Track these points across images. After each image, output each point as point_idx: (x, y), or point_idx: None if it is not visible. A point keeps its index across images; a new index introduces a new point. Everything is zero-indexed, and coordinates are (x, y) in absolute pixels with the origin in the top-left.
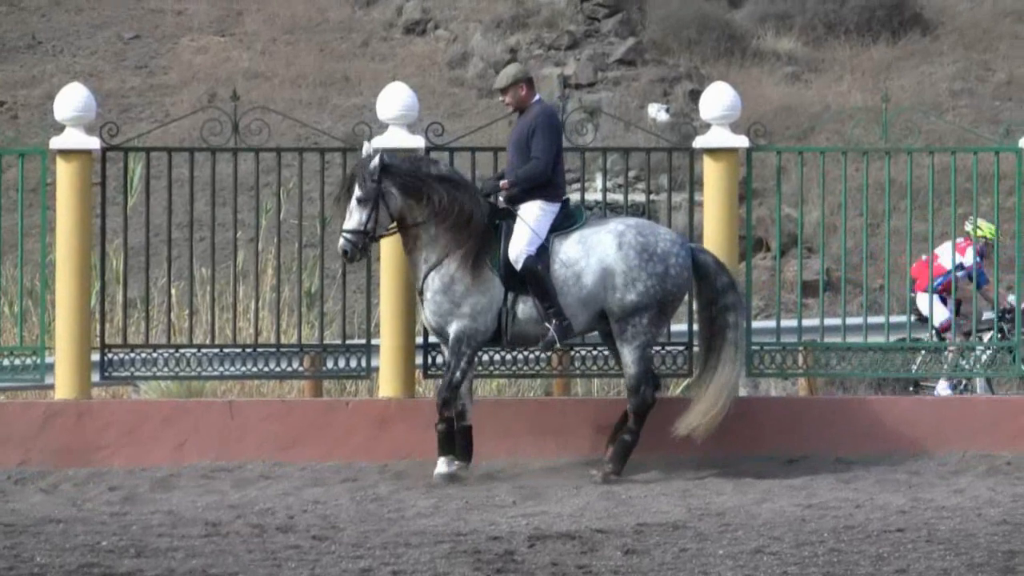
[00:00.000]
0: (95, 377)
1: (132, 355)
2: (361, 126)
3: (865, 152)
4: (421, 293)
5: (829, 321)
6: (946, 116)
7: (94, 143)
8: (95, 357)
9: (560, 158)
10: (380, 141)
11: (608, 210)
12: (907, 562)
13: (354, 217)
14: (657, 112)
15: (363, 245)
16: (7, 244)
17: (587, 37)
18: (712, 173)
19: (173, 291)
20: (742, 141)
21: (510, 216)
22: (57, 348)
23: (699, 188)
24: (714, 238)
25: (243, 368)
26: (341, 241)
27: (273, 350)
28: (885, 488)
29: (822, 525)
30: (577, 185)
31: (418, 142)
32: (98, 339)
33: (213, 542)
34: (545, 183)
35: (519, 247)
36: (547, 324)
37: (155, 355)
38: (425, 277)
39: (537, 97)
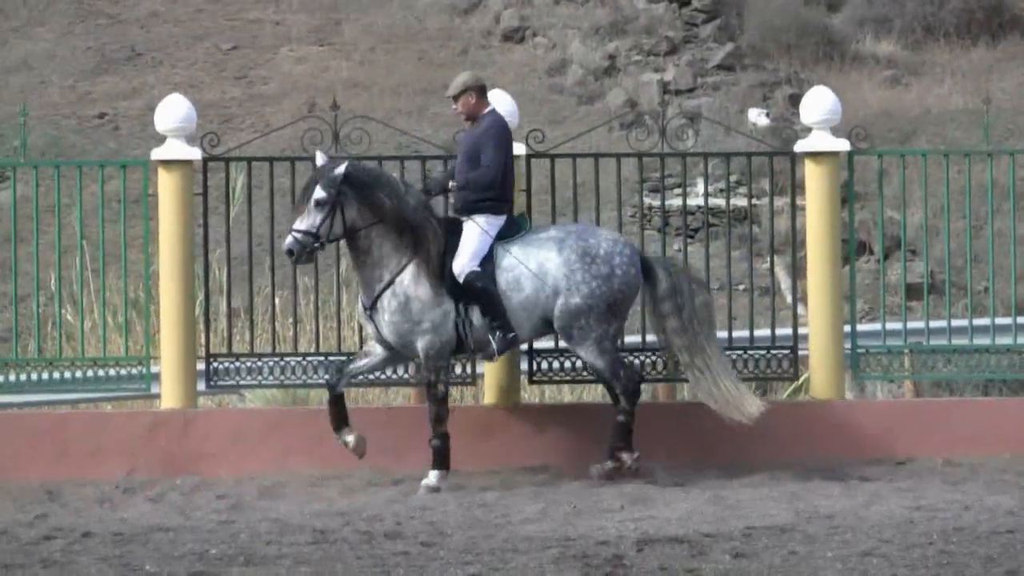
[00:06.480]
0: (200, 386)
1: (237, 364)
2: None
3: (967, 155)
4: (369, 309)
5: (934, 323)
6: None
7: (195, 154)
8: (200, 366)
9: (510, 171)
10: None
11: (710, 215)
12: (1018, 563)
13: (308, 219)
14: (757, 116)
15: (311, 248)
16: (110, 255)
17: (686, 43)
18: (814, 177)
19: (277, 300)
20: (843, 145)
21: (456, 228)
22: (162, 358)
23: (801, 192)
24: (817, 242)
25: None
26: (289, 239)
27: None
28: (994, 490)
29: (931, 527)
30: (679, 190)
31: (519, 149)
32: (203, 348)
33: (321, 549)
34: (493, 195)
35: (462, 261)
36: (490, 336)
37: (260, 364)
38: (379, 296)
39: (490, 107)
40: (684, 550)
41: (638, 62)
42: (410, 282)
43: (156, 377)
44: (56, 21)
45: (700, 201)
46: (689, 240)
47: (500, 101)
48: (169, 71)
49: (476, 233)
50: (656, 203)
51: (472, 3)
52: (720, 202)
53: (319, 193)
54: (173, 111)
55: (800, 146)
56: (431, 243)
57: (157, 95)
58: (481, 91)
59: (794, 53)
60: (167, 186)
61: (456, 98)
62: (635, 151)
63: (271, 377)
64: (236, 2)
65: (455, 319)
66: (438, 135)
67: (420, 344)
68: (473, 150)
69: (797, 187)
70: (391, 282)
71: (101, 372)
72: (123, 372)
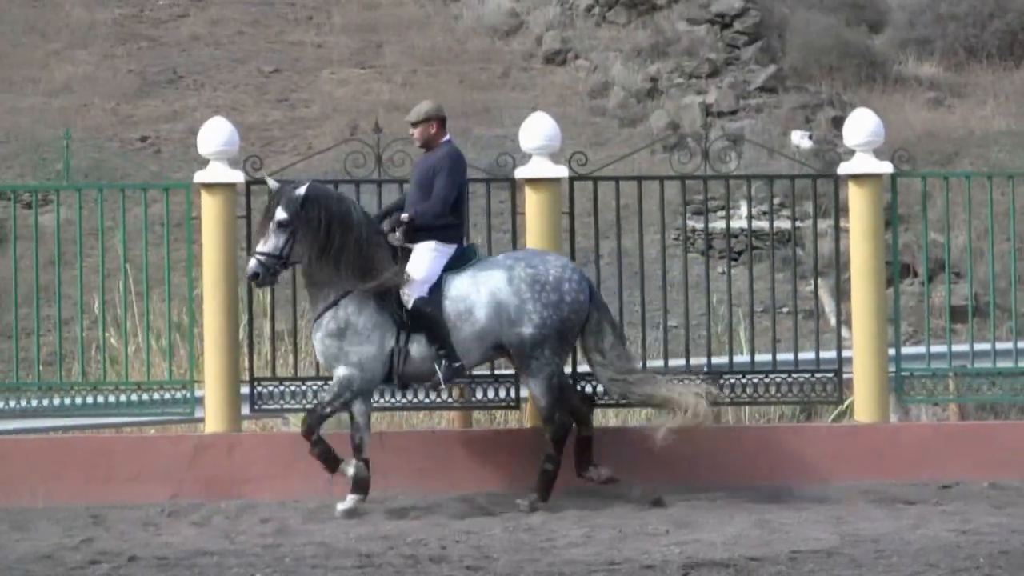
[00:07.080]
0: (244, 410)
1: (281, 388)
2: (504, 156)
3: (1011, 176)
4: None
5: (979, 346)
6: None
7: (238, 176)
8: (244, 390)
9: (463, 200)
10: (523, 171)
11: (754, 237)
12: None
13: (271, 241)
14: (800, 139)
15: (275, 270)
16: (153, 279)
17: (728, 65)
18: (857, 199)
19: None
20: (886, 167)
21: (404, 255)
22: (206, 382)
23: (844, 215)
24: (860, 265)
25: (392, 399)
26: (252, 263)
27: None
28: None
29: (977, 551)
30: (722, 213)
31: (561, 171)
32: (247, 372)
33: (366, 573)
34: (443, 224)
35: (410, 287)
36: (436, 365)
37: (304, 387)
38: (321, 314)
39: (447, 138)
40: (730, 574)
41: (680, 84)
42: (353, 308)
43: (200, 401)
44: (98, 44)
45: (743, 224)
46: (733, 263)
47: (542, 124)
48: (211, 94)
49: (427, 260)
50: (699, 226)
51: (513, 26)
52: (764, 225)
53: (280, 215)
54: (216, 134)
55: (843, 168)
56: (380, 271)
57: (199, 118)
58: (442, 122)
59: (836, 75)
60: (210, 209)
61: (416, 124)
62: (678, 174)
63: (314, 400)
64: (277, 25)
65: (392, 349)
66: (480, 158)
67: (340, 371)
68: (426, 179)
69: (841, 209)
70: (335, 302)
71: (145, 396)
72: (167, 396)
